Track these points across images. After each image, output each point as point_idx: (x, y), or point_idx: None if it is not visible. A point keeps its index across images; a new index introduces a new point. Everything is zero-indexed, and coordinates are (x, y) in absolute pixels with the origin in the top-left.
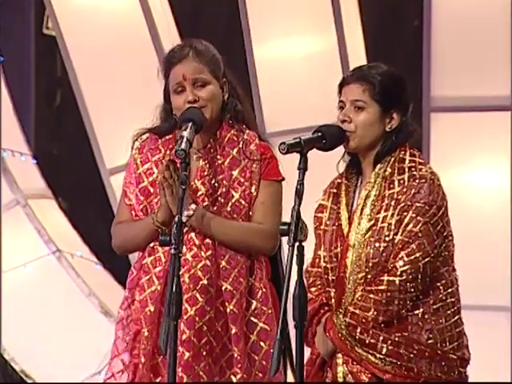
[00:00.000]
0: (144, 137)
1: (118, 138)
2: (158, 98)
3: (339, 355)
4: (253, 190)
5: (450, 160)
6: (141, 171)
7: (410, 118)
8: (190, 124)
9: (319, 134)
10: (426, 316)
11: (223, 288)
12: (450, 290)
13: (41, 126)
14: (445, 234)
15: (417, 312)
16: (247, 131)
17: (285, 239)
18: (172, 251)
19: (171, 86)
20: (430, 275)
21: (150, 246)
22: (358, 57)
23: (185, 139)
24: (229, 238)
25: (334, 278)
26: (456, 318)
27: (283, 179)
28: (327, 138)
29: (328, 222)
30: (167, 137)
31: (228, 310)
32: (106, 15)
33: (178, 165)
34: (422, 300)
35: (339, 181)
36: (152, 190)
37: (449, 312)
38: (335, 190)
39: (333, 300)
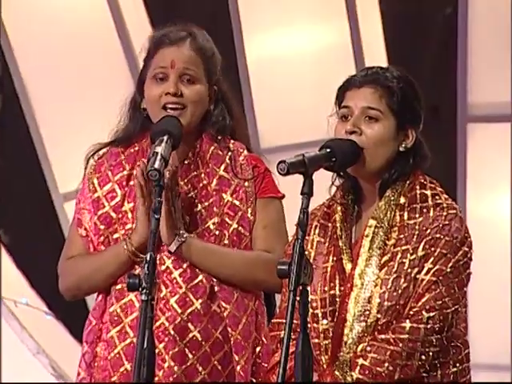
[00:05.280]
0: (101, 152)
1: (74, 157)
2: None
3: None
4: (249, 213)
5: (491, 180)
6: (100, 194)
7: (422, 137)
8: (165, 137)
9: (328, 150)
10: (445, 380)
11: (232, 339)
12: (466, 351)
13: None
14: (469, 280)
15: (434, 374)
16: (232, 141)
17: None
18: (142, 297)
19: (151, 71)
20: (453, 329)
21: (116, 287)
22: (375, 53)
23: (159, 156)
24: (229, 272)
25: (327, 327)
26: None
27: (283, 196)
28: (337, 155)
29: (317, 259)
30: (131, 149)
31: (238, 368)
32: (61, 4)
33: (152, 186)
34: (441, 360)
35: (326, 210)
36: (115, 216)
37: (464, 379)
38: (322, 221)
39: (323, 354)
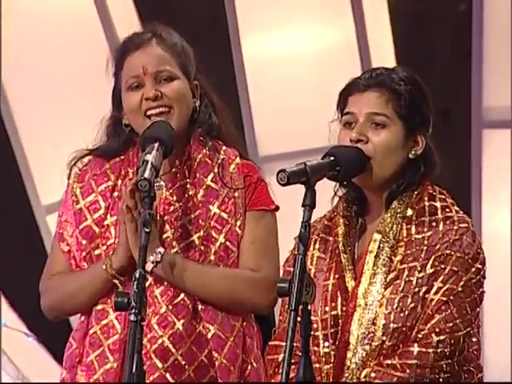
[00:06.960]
0: (85, 160)
1: (57, 166)
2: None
3: None
4: (237, 227)
5: (509, 191)
6: (82, 206)
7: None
8: (156, 145)
9: (331, 158)
10: None
11: (217, 363)
12: (479, 376)
13: None
14: (482, 299)
15: None
16: (224, 148)
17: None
18: (131, 318)
19: (124, 82)
20: (465, 353)
21: (97, 308)
22: (383, 53)
23: (149, 165)
24: (211, 292)
25: (329, 350)
26: None
27: (277, 208)
28: (342, 164)
29: (317, 276)
30: (117, 158)
31: None
32: (44, 0)
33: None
34: None
35: (326, 223)
36: (97, 230)
37: None
38: (323, 235)
39: (325, 380)
